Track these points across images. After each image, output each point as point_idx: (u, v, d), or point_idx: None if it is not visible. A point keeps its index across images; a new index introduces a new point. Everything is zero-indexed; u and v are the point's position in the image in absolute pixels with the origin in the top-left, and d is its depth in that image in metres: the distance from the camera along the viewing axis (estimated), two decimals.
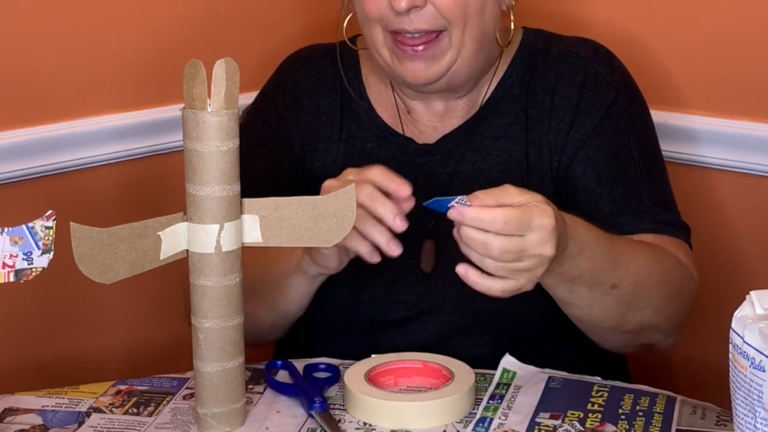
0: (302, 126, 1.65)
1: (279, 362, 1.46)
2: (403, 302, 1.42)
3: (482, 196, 1.29)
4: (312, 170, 1.63)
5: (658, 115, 1.65)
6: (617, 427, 1.31)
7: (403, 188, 1.34)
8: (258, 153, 1.65)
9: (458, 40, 1.51)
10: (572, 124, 1.57)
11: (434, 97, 1.61)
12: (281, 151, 1.64)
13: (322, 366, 1.46)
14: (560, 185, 1.57)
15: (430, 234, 1.55)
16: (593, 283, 1.42)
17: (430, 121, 1.62)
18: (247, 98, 1.88)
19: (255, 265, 1.45)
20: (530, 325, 1.53)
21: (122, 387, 1.43)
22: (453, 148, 1.60)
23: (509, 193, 1.31)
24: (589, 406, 1.36)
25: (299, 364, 1.46)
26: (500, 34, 1.58)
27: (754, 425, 1.06)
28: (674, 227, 1.57)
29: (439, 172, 1.59)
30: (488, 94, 1.61)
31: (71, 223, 1.21)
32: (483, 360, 1.44)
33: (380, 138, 1.62)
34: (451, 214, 1.29)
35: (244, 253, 1.33)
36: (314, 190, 1.36)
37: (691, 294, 1.55)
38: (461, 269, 1.31)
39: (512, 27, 1.60)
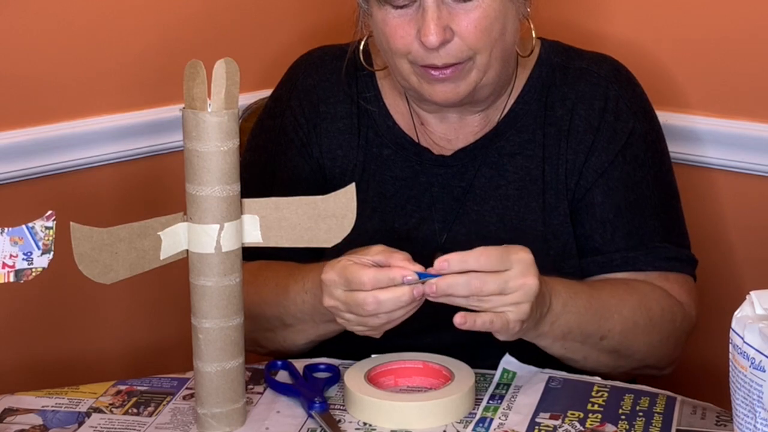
0: (320, 133, 1.63)
1: (279, 362, 1.46)
2: (416, 314, 1.41)
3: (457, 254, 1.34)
4: (332, 177, 1.62)
5: (659, 116, 1.65)
6: (617, 427, 1.31)
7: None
8: (278, 162, 1.64)
9: (484, 63, 1.50)
10: (592, 148, 1.57)
11: (450, 111, 1.59)
12: (301, 159, 1.63)
13: (322, 366, 1.46)
14: (576, 207, 1.58)
15: (441, 247, 1.55)
16: (584, 336, 1.46)
17: (444, 134, 1.62)
18: (249, 99, 1.88)
19: (275, 310, 1.52)
20: None
21: (122, 387, 1.43)
22: (469, 163, 1.59)
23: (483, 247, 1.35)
24: (589, 406, 1.36)
25: (299, 364, 1.46)
26: (519, 45, 1.57)
27: (754, 425, 1.06)
28: (682, 263, 1.59)
29: (454, 185, 1.59)
30: (506, 110, 1.60)
31: (71, 223, 1.21)
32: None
33: (397, 145, 1.62)
34: (436, 265, 1.32)
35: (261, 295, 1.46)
36: None
37: (684, 333, 1.58)
38: (459, 319, 1.33)
39: (534, 35, 1.58)
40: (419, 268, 1.34)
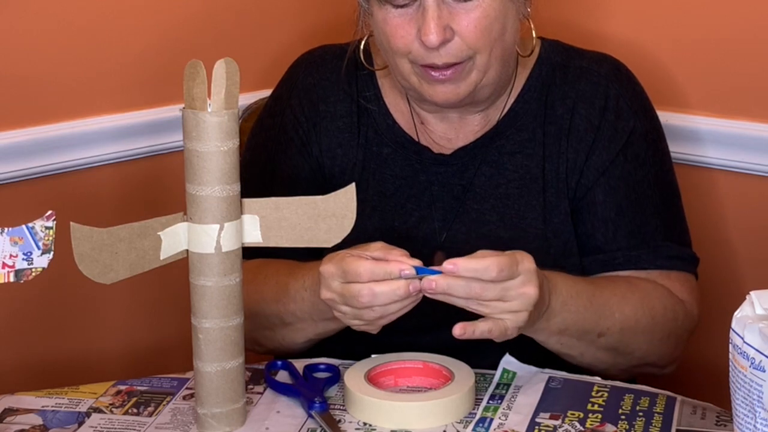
0: (320, 131, 1.63)
1: (279, 362, 1.46)
2: (415, 312, 1.41)
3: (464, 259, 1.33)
4: (332, 176, 1.62)
5: (659, 116, 1.65)
6: (617, 427, 1.31)
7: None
8: (278, 160, 1.64)
9: (484, 63, 1.50)
10: (592, 147, 1.58)
11: (451, 111, 1.59)
12: (301, 158, 1.63)
13: (322, 366, 1.46)
14: (578, 206, 1.58)
15: (441, 246, 1.55)
16: (581, 333, 1.47)
17: (444, 133, 1.62)
18: (249, 99, 1.88)
19: (275, 307, 1.52)
20: None
21: (122, 387, 1.43)
22: (469, 161, 1.59)
23: (487, 253, 1.35)
24: (589, 406, 1.36)
25: (299, 364, 1.46)
26: (519, 45, 1.57)
27: (754, 425, 1.06)
28: (684, 261, 1.59)
29: (454, 184, 1.59)
30: (506, 109, 1.60)
31: (71, 223, 1.21)
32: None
33: (397, 144, 1.62)
34: (446, 267, 1.32)
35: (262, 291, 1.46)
36: None
37: (685, 332, 1.58)
38: (458, 330, 1.34)
39: (534, 35, 1.58)
40: (417, 263, 1.34)
